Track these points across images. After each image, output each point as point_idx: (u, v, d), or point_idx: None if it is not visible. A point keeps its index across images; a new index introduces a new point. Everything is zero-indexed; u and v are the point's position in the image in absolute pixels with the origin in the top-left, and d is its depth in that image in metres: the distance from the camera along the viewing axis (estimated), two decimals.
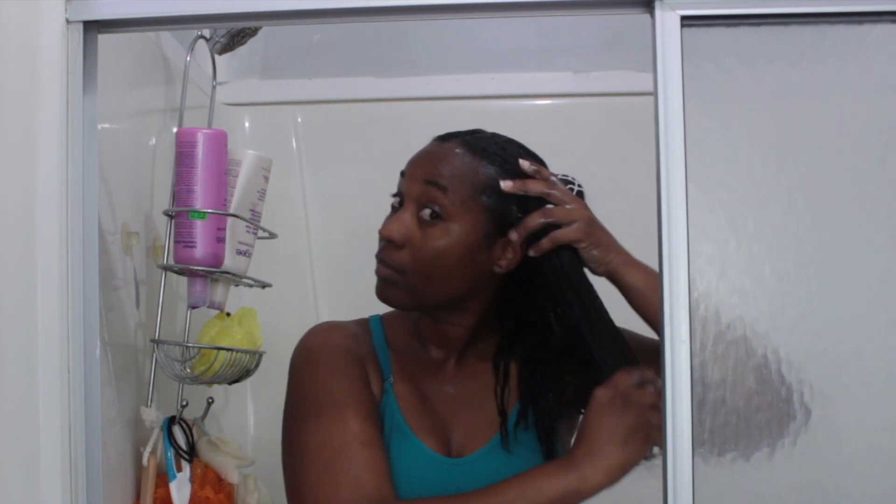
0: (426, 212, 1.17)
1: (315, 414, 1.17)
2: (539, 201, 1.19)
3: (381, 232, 1.20)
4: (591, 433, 1.09)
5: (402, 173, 1.22)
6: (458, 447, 1.23)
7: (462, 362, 1.27)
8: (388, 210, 1.25)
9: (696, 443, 0.89)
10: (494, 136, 1.24)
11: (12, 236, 0.97)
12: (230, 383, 1.43)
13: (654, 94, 0.93)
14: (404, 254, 1.18)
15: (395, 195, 1.23)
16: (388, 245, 1.19)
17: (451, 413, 1.24)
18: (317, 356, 1.23)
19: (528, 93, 1.86)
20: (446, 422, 1.24)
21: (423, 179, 1.18)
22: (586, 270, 1.23)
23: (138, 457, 1.31)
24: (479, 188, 1.18)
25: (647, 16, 0.94)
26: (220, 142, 1.30)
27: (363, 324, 1.30)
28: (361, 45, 1.88)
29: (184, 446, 1.36)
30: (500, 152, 1.20)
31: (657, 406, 1.07)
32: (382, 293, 1.21)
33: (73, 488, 0.98)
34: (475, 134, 1.23)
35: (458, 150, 1.19)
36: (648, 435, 1.08)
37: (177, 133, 1.30)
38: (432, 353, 1.27)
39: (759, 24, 0.93)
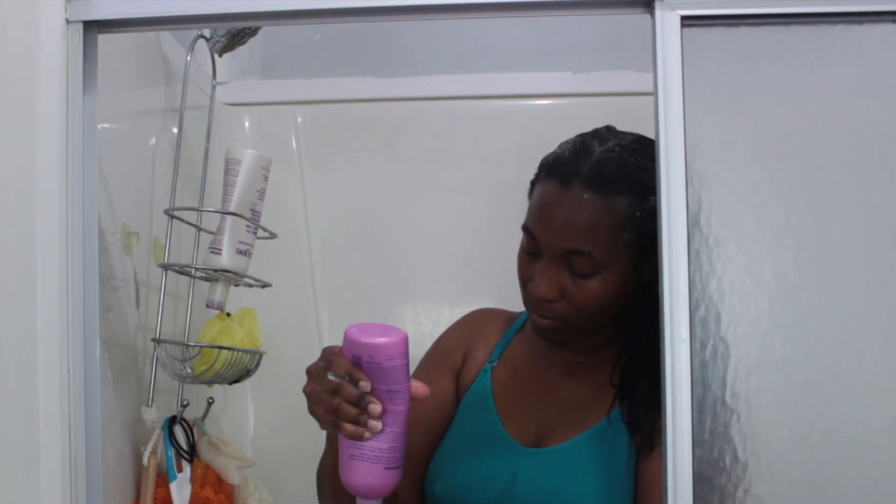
0: (575, 269, 1.16)
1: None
2: None
3: (532, 292, 1.19)
4: None
5: (532, 232, 1.19)
6: (535, 439, 1.25)
7: (576, 366, 1.28)
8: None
9: (696, 443, 0.89)
10: (611, 151, 1.18)
11: (12, 236, 0.97)
12: (230, 383, 1.43)
13: (654, 94, 0.93)
14: (563, 306, 1.19)
15: (528, 245, 1.21)
16: (545, 302, 1.19)
17: (542, 409, 1.26)
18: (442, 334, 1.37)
19: (528, 93, 1.86)
20: (534, 415, 1.26)
21: (565, 248, 1.16)
22: None
23: (138, 457, 1.31)
24: (620, 231, 1.15)
25: (647, 16, 0.94)
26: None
27: (514, 315, 1.37)
28: (361, 45, 1.88)
29: (184, 446, 1.36)
30: (625, 175, 1.16)
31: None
32: (546, 336, 1.24)
33: (73, 488, 0.97)
34: (599, 158, 1.17)
35: (587, 197, 1.15)
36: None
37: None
38: (557, 352, 1.29)
39: (759, 24, 0.93)
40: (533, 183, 1.24)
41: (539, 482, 1.20)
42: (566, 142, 1.23)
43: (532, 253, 1.21)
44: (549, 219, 1.17)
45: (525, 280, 1.22)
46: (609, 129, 1.23)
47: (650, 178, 1.08)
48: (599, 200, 1.15)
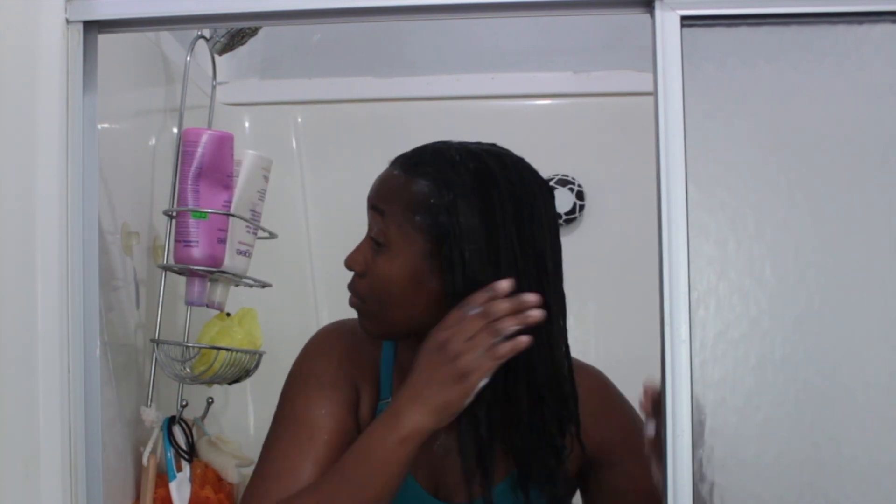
0: (372, 231, 1.18)
1: (282, 421, 1.22)
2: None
3: (345, 262, 1.20)
4: (414, 378, 1.09)
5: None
6: (445, 491, 1.20)
7: None
8: None
9: (696, 443, 0.89)
10: (445, 147, 1.18)
11: (12, 236, 0.96)
12: (230, 383, 1.43)
13: (654, 94, 0.93)
14: (363, 282, 1.18)
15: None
16: (354, 276, 1.20)
17: (444, 452, 1.21)
18: (309, 367, 1.26)
19: (528, 93, 1.86)
20: (437, 461, 1.21)
21: (370, 205, 1.19)
22: None
23: (138, 457, 1.31)
24: (411, 207, 1.13)
25: (647, 16, 0.94)
26: (225, 143, 1.30)
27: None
28: (361, 45, 1.88)
29: (184, 446, 1.37)
30: (435, 163, 1.14)
31: (484, 343, 1.07)
32: (359, 321, 1.21)
33: (73, 488, 0.97)
34: (425, 148, 1.19)
35: (395, 172, 1.18)
36: (466, 375, 1.06)
37: (183, 133, 1.30)
38: None
39: (759, 24, 0.93)
40: None
41: None
42: None
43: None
44: (374, 183, 1.20)
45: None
46: (482, 143, 1.21)
47: (462, 177, 1.12)
48: (402, 175, 1.16)
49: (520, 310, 1.07)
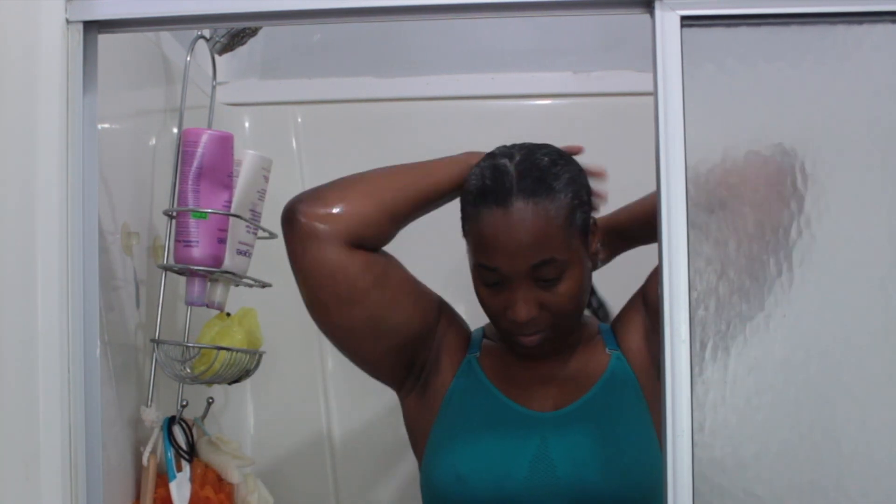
0: (545, 279, 1.21)
1: None
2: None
3: (515, 318, 1.21)
4: None
5: (491, 268, 1.22)
6: (551, 406, 1.27)
7: (557, 349, 1.31)
8: None
9: (696, 443, 0.89)
10: (523, 161, 1.24)
11: (12, 236, 0.97)
12: (230, 383, 1.43)
13: (654, 94, 0.93)
14: (545, 317, 1.23)
15: (488, 279, 1.24)
16: (528, 322, 1.22)
17: (545, 385, 1.29)
18: None
19: (528, 93, 1.86)
20: (539, 391, 1.29)
21: (531, 265, 1.19)
22: None
23: (138, 457, 1.31)
24: (567, 225, 1.21)
25: (647, 16, 0.94)
26: (226, 143, 1.30)
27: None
28: (361, 45, 1.88)
29: (184, 446, 1.36)
30: (548, 175, 1.22)
31: None
32: (535, 349, 1.26)
33: (73, 488, 0.97)
34: (520, 173, 1.22)
35: (528, 208, 1.19)
36: None
37: (182, 132, 1.30)
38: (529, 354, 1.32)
39: (759, 24, 0.93)
40: (464, 220, 1.27)
41: (572, 436, 1.23)
42: (474, 175, 1.26)
43: (494, 284, 1.23)
44: (505, 245, 1.20)
45: (498, 311, 1.24)
46: (502, 148, 1.29)
47: (564, 169, 1.24)
48: (540, 206, 1.19)
49: None
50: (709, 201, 0.91)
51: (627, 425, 1.24)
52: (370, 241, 1.25)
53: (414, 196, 1.28)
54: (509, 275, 1.21)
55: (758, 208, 0.93)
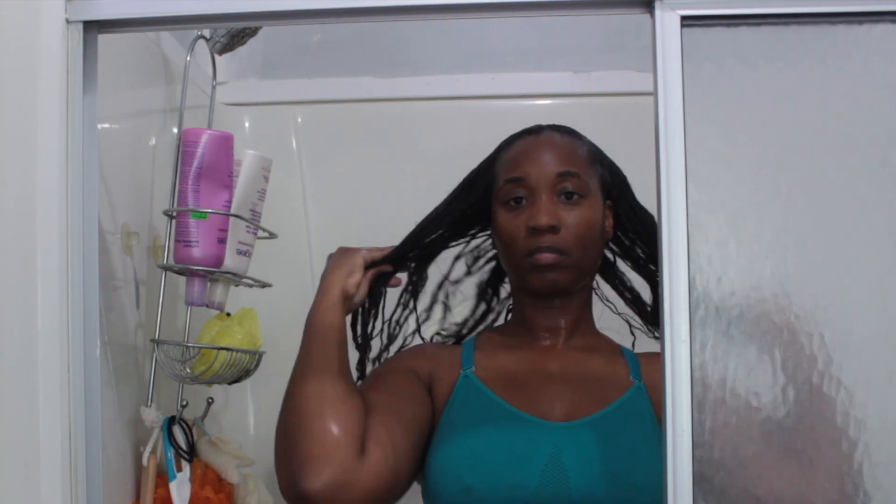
0: (564, 196, 1.29)
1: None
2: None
3: (537, 224, 1.27)
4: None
5: (518, 177, 1.31)
6: (564, 415, 1.26)
7: (569, 344, 1.35)
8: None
9: (696, 443, 0.89)
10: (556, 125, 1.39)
11: (12, 236, 0.97)
12: (230, 383, 1.43)
13: (654, 94, 0.93)
14: (563, 236, 1.28)
15: (512, 195, 1.31)
16: (547, 233, 1.27)
17: (555, 390, 1.29)
18: (387, 364, 1.38)
19: (528, 93, 1.86)
20: (548, 396, 1.28)
21: (556, 172, 1.29)
22: None
23: (138, 457, 1.31)
24: (591, 162, 1.34)
25: (647, 16, 0.94)
26: (226, 143, 1.30)
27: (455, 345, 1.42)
28: (361, 45, 1.88)
29: (184, 446, 1.36)
30: (578, 133, 1.38)
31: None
32: (549, 278, 1.29)
33: (73, 488, 0.97)
34: (552, 124, 1.37)
35: (559, 136, 1.34)
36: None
37: (182, 132, 1.30)
38: (542, 340, 1.35)
39: (759, 24, 0.93)
40: (494, 157, 1.37)
41: (587, 448, 1.21)
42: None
43: (518, 200, 1.30)
44: (536, 156, 1.31)
45: (518, 231, 1.29)
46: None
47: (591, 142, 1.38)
48: (568, 139, 1.35)
49: None
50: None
51: (642, 447, 1.22)
52: (358, 444, 1.19)
53: (348, 379, 1.27)
54: (537, 182, 1.29)
55: None
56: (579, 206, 1.29)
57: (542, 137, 1.34)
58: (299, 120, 1.88)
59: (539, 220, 1.26)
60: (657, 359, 1.28)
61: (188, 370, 1.35)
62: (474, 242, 1.45)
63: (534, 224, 1.27)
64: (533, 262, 1.28)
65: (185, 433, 1.38)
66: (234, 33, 1.51)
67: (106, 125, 1.24)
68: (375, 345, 1.42)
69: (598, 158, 1.36)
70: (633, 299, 1.43)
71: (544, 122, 1.39)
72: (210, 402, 1.49)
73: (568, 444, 1.21)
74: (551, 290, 1.31)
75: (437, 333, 1.47)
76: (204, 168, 1.27)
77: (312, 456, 1.16)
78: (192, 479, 1.35)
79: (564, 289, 1.32)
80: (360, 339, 1.40)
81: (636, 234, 1.38)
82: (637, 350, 1.41)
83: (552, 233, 1.27)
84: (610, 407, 1.26)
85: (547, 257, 1.27)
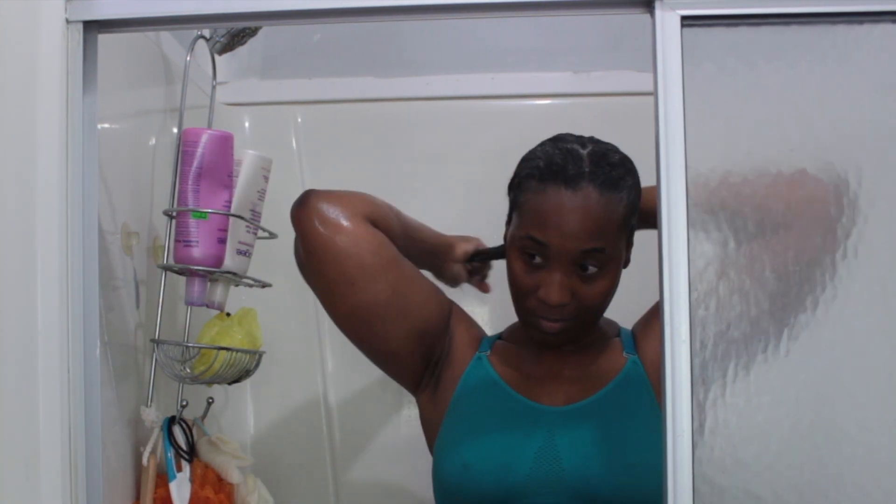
0: (581, 268, 1.22)
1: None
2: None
3: (547, 300, 1.22)
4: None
5: (540, 241, 1.21)
6: (562, 401, 1.28)
7: (574, 345, 1.33)
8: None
9: (696, 443, 0.89)
10: (596, 149, 1.25)
11: (12, 236, 0.97)
12: (230, 383, 1.43)
13: (654, 94, 0.93)
14: (572, 307, 1.23)
15: (529, 250, 1.23)
16: (556, 307, 1.22)
17: (557, 381, 1.30)
18: None
19: (528, 93, 1.86)
20: (551, 387, 1.30)
21: (581, 249, 1.20)
22: None
23: (138, 457, 1.31)
24: (624, 222, 1.23)
25: (647, 16, 0.94)
26: (225, 143, 1.30)
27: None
28: (361, 45, 1.88)
29: (184, 446, 1.36)
30: (620, 168, 1.24)
31: None
32: (552, 339, 1.27)
33: (73, 488, 0.97)
34: (593, 160, 1.22)
35: (597, 195, 1.20)
36: None
37: (182, 132, 1.30)
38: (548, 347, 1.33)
39: (759, 24, 0.93)
40: (518, 192, 1.26)
41: (580, 430, 1.23)
42: (540, 150, 1.26)
43: (535, 260, 1.23)
44: (564, 223, 1.20)
45: (529, 289, 1.24)
46: (569, 135, 1.28)
47: (630, 173, 1.25)
48: (605, 197, 1.20)
49: None
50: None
51: (637, 426, 1.24)
52: (381, 225, 1.29)
53: (404, 228, 1.35)
54: (557, 253, 1.20)
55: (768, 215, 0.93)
56: (600, 277, 1.23)
57: (578, 197, 1.19)
58: (299, 120, 1.88)
59: (550, 298, 1.21)
60: (650, 323, 1.32)
61: (188, 370, 1.35)
62: None
63: (544, 298, 1.22)
64: (537, 323, 1.26)
65: (185, 433, 1.38)
66: (234, 33, 1.51)
67: (106, 125, 1.24)
68: None
69: (632, 208, 1.24)
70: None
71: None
72: (210, 402, 1.49)
73: (562, 428, 1.24)
74: (554, 343, 1.30)
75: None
76: (204, 168, 1.27)
77: (343, 192, 1.30)
78: (192, 479, 1.35)
79: (570, 340, 1.30)
80: None
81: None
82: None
83: (562, 307, 1.23)
84: (604, 389, 1.28)
85: (552, 326, 1.25)
